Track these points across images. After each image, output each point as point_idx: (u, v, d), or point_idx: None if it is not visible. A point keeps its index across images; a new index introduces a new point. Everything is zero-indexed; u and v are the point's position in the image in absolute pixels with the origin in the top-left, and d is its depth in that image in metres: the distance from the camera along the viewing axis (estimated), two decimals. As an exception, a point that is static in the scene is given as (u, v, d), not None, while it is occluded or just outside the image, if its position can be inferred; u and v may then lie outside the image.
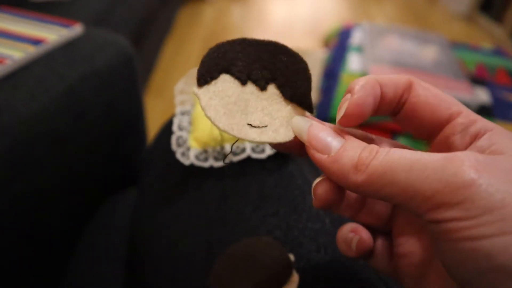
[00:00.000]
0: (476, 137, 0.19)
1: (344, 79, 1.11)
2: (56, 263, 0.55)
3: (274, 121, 0.22)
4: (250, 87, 0.22)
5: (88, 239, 0.57)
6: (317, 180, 0.22)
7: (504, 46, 2.05)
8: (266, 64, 0.22)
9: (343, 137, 0.21)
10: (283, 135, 0.22)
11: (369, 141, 0.24)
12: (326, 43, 1.56)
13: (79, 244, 0.57)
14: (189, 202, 0.39)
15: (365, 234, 0.24)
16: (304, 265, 0.32)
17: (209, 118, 0.21)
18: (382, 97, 0.21)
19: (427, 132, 0.22)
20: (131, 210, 0.52)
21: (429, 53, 1.16)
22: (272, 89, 0.22)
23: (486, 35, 2.37)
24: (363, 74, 1.11)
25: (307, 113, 0.23)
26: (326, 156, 0.20)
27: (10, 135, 0.44)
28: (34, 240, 0.51)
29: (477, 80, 1.14)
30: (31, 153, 0.47)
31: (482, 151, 0.18)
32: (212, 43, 0.23)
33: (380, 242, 0.25)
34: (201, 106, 0.21)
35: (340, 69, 1.17)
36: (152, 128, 0.77)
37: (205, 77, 0.22)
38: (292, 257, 0.31)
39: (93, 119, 0.56)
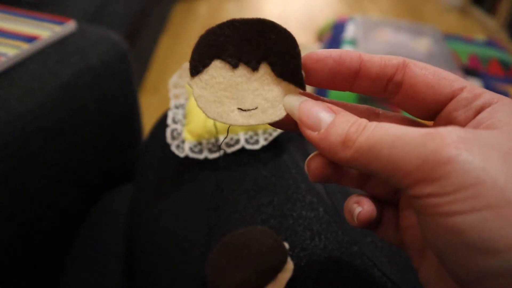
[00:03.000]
0: (480, 111, 0.19)
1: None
2: (54, 259, 0.55)
3: (265, 101, 0.22)
4: (242, 70, 0.23)
5: (86, 234, 0.57)
6: (311, 155, 0.23)
7: (496, 37, 2.06)
8: (256, 44, 0.22)
9: (334, 111, 0.21)
10: (273, 115, 0.22)
11: (375, 115, 0.24)
12: (320, 37, 1.57)
13: (77, 240, 0.57)
14: (185, 193, 0.40)
15: (367, 206, 0.23)
16: (299, 253, 0.32)
17: (200, 108, 0.22)
18: (365, 72, 0.21)
19: (430, 112, 0.21)
20: (127, 204, 0.52)
21: (422, 45, 1.17)
22: (264, 68, 0.23)
23: (479, 27, 2.38)
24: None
25: (300, 91, 0.23)
26: (316, 133, 0.20)
27: (5, 131, 0.45)
28: (31, 236, 0.51)
29: (470, 71, 1.14)
30: (27, 149, 0.47)
31: (478, 125, 0.18)
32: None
33: (388, 213, 0.25)
34: (194, 97, 0.22)
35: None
36: (148, 125, 0.77)
37: (197, 68, 0.22)
38: (287, 245, 0.32)
39: (88, 114, 0.56)
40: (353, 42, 1.26)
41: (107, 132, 0.62)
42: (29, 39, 0.53)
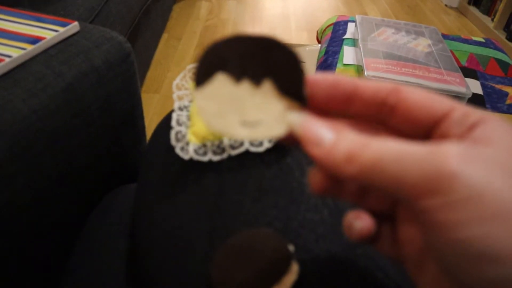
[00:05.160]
0: (471, 128, 0.20)
1: (338, 72, 1.12)
2: (56, 258, 0.55)
3: (268, 117, 0.23)
4: (245, 84, 0.23)
5: (89, 234, 0.57)
6: (313, 169, 0.23)
7: (494, 37, 2.06)
8: (260, 60, 0.23)
9: (337, 129, 0.21)
10: (275, 131, 0.23)
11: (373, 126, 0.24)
12: (320, 36, 1.57)
13: (80, 239, 0.57)
14: (189, 195, 0.40)
15: (366, 221, 0.24)
16: (304, 256, 0.33)
17: (203, 119, 0.23)
18: (359, 96, 0.22)
19: (424, 132, 0.22)
20: (130, 205, 0.52)
21: (422, 45, 1.17)
22: (266, 84, 0.23)
23: (477, 27, 2.39)
24: (357, 67, 1.12)
25: (302, 107, 0.23)
26: (319, 149, 0.21)
27: (10, 132, 0.45)
28: (34, 236, 0.51)
29: (468, 71, 1.15)
30: (31, 150, 0.48)
31: (475, 141, 0.19)
32: (208, 39, 0.23)
33: (385, 228, 0.25)
34: (197, 108, 0.23)
35: (334, 62, 1.18)
36: (148, 123, 0.77)
37: (201, 79, 0.23)
38: (291, 247, 0.32)
39: (92, 115, 0.56)
40: (353, 42, 1.26)
41: (110, 132, 0.62)
42: (33, 40, 0.53)
